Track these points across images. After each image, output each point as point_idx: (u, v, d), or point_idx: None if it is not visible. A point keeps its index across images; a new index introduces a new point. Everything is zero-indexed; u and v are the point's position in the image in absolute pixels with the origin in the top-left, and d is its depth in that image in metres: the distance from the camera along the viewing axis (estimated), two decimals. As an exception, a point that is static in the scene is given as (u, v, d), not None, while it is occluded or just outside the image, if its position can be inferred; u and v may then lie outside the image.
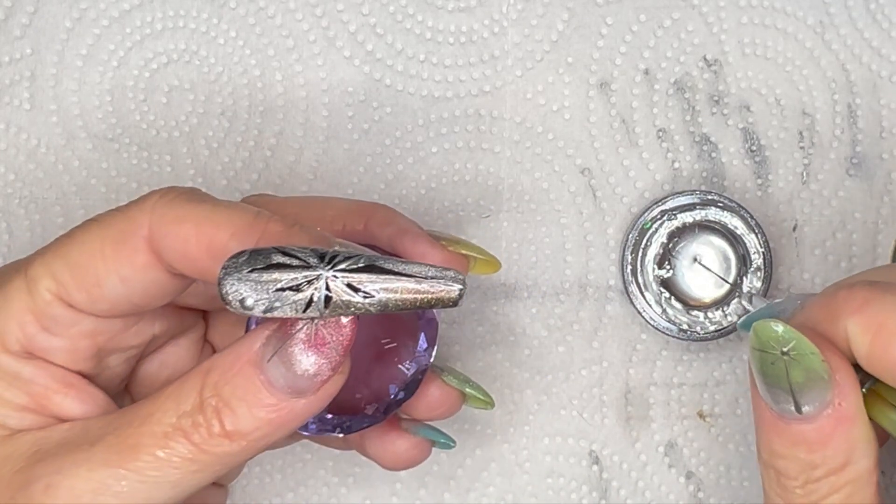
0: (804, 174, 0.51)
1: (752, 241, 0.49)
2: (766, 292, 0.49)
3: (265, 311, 0.35)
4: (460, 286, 0.36)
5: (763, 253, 0.49)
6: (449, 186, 0.51)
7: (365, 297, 0.35)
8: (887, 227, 0.51)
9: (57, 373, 0.40)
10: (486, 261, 0.44)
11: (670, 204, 0.50)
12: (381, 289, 0.35)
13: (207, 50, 0.51)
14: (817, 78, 0.51)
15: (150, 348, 0.43)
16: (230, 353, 0.37)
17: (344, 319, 0.36)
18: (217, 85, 0.51)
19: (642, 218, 0.50)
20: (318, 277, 0.35)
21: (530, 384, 0.51)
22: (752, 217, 0.49)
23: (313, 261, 0.35)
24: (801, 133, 0.51)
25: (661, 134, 0.51)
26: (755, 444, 0.50)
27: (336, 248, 0.36)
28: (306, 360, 0.36)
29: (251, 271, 0.35)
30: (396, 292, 0.35)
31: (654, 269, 0.50)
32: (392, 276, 0.35)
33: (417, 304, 0.36)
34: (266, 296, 0.35)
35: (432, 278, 0.36)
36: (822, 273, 0.51)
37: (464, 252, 0.44)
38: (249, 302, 0.35)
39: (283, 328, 0.36)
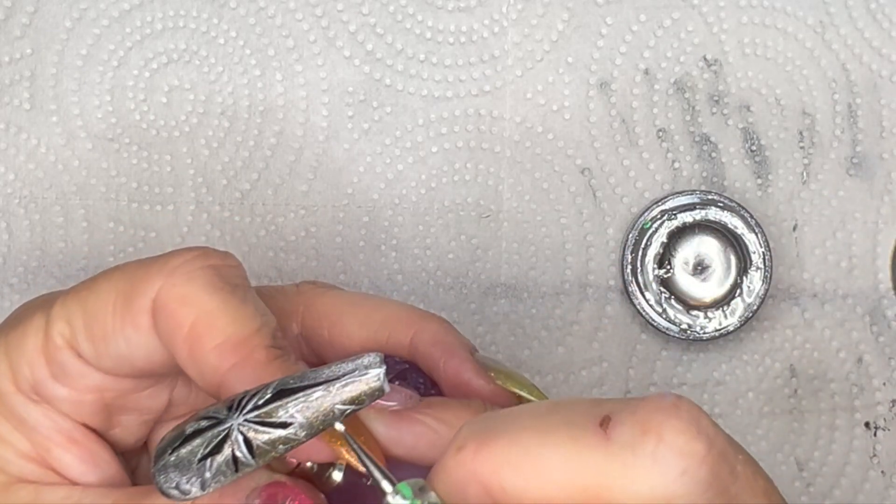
0: (804, 174, 0.51)
1: (752, 241, 0.49)
2: (765, 292, 0.49)
3: (203, 489, 0.32)
4: (377, 370, 0.32)
5: (763, 253, 0.49)
6: (449, 186, 0.51)
7: (285, 427, 0.32)
8: (887, 227, 0.51)
9: (62, 423, 0.37)
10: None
11: (670, 204, 0.50)
12: (296, 411, 0.32)
13: (207, 50, 0.51)
14: (817, 78, 0.51)
15: (168, 414, 0.40)
16: (219, 491, 0.34)
17: None
18: (217, 85, 0.51)
19: (642, 218, 0.50)
20: (228, 430, 0.32)
21: (530, 384, 0.51)
22: (752, 217, 0.49)
23: (223, 413, 0.32)
24: (801, 133, 0.51)
25: (661, 134, 0.51)
26: (754, 443, 0.50)
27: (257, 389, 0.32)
28: None
29: (172, 452, 0.32)
30: (313, 407, 0.32)
31: (654, 269, 0.50)
32: (302, 393, 0.32)
33: (345, 410, 0.32)
34: (193, 471, 0.32)
35: (344, 375, 0.32)
36: (822, 273, 0.51)
37: (514, 389, 0.38)
38: (185, 485, 0.32)
39: (263, 494, 0.34)
